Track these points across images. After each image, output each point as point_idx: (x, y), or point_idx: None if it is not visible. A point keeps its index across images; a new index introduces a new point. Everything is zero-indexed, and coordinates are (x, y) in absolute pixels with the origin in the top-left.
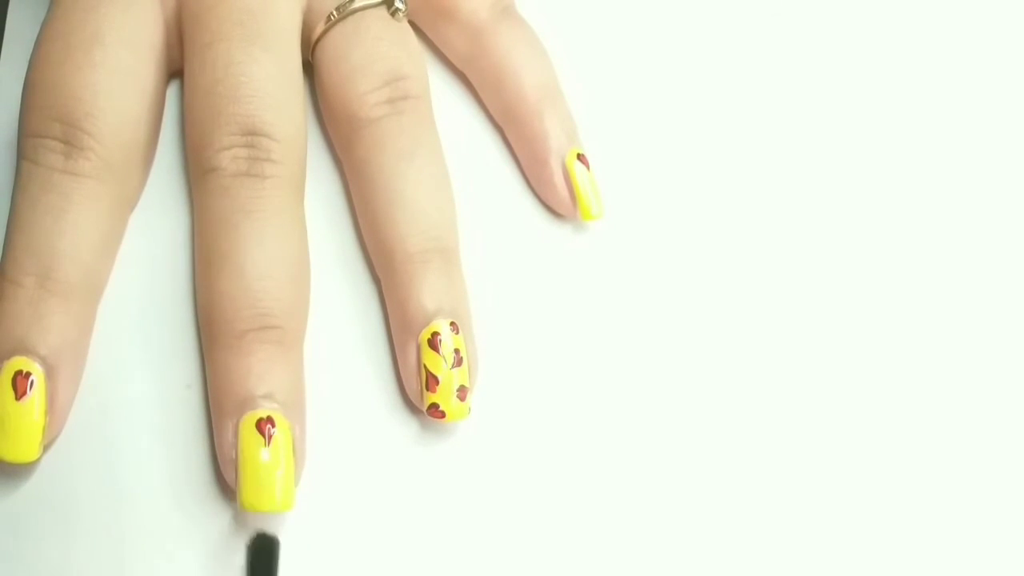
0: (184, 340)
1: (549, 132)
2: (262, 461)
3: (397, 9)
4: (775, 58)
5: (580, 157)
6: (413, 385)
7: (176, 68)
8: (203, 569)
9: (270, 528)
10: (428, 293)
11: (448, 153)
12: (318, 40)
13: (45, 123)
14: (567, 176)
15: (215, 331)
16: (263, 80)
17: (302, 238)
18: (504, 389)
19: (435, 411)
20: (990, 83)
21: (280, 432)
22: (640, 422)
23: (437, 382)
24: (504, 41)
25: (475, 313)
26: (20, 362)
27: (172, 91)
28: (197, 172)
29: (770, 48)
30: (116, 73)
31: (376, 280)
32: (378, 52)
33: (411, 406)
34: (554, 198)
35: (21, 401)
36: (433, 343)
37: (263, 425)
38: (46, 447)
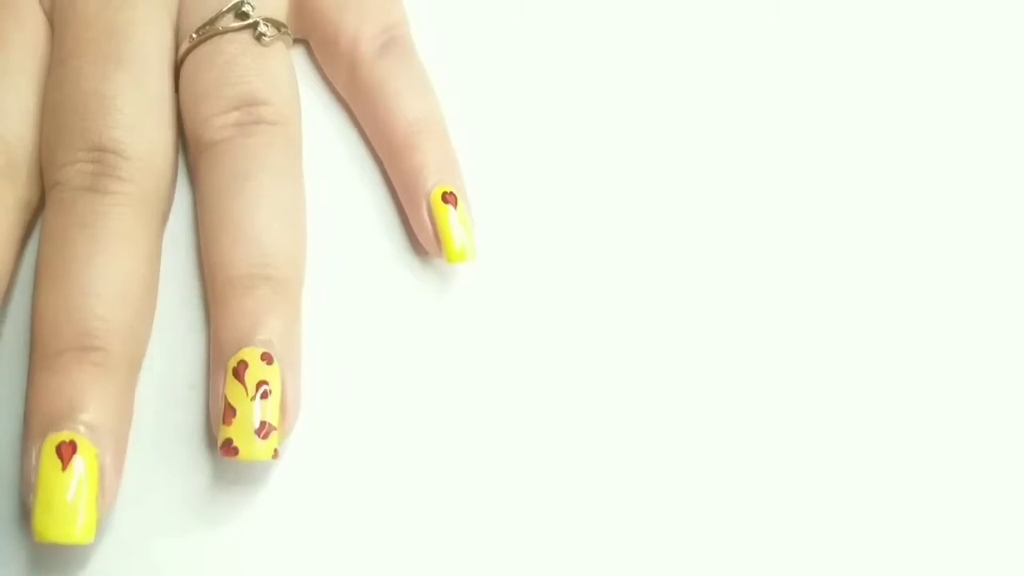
0: (186, 340)
1: (418, 167)
2: (59, 488)
3: (261, 34)
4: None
5: (447, 196)
6: (214, 418)
7: None
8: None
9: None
10: (244, 320)
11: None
12: (180, 61)
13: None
14: (432, 215)
15: (35, 344)
16: (113, 98)
17: (146, 259)
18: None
19: (227, 447)
20: (983, 84)
21: (83, 459)
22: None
23: (234, 414)
24: (380, 72)
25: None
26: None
27: None
28: (45, 189)
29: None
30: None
31: None
32: (230, 77)
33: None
34: (423, 237)
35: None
36: (238, 372)
37: (64, 449)
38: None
